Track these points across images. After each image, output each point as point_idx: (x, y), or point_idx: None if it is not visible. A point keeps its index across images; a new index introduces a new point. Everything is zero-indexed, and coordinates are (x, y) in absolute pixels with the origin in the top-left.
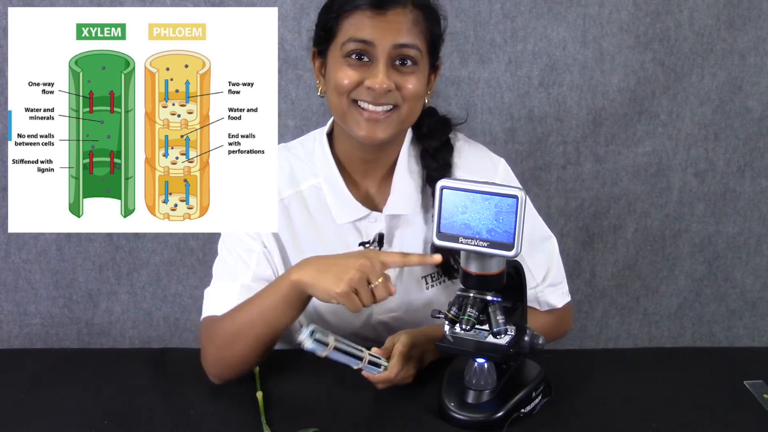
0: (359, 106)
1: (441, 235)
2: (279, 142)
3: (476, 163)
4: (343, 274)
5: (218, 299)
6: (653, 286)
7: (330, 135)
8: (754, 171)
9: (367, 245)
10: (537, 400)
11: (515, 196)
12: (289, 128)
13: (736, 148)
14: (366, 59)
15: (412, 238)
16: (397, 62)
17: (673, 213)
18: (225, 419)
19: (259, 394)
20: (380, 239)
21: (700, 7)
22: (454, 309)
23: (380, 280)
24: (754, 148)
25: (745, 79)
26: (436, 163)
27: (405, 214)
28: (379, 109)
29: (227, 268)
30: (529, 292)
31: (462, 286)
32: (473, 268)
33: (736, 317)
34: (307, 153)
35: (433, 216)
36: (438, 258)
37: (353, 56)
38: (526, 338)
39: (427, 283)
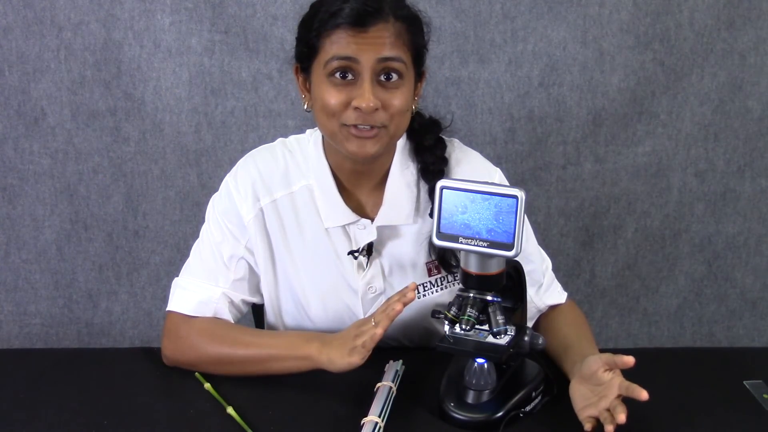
0: (348, 126)
1: (441, 235)
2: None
3: (473, 175)
4: (350, 345)
5: (195, 300)
6: (653, 286)
7: (323, 139)
8: (754, 171)
9: (355, 254)
10: (537, 400)
11: (515, 196)
12: (289, 128)
13: (736, 148)
14: (350, 77)
15: (402, 247)
16: (382, 77)
17: (673, 213)
18: (225, 419)
19: (230, 410)
20: (369, 249)
21: (700, 7)
22: (454, 309)
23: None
24: (754, 148)
25: (745, 79)
26: (433, 156)
27: (396, 224)
28: (368, 130)
29: (207, 268)
30: (530, 307)
31: (462, 286)
32: (473, 269)
33: (736, 317)
34: (302, 152)
35: (432, 216)
36: (411, 295)
37: (337, 74)
38: (526, 338)
39: (419, 293)
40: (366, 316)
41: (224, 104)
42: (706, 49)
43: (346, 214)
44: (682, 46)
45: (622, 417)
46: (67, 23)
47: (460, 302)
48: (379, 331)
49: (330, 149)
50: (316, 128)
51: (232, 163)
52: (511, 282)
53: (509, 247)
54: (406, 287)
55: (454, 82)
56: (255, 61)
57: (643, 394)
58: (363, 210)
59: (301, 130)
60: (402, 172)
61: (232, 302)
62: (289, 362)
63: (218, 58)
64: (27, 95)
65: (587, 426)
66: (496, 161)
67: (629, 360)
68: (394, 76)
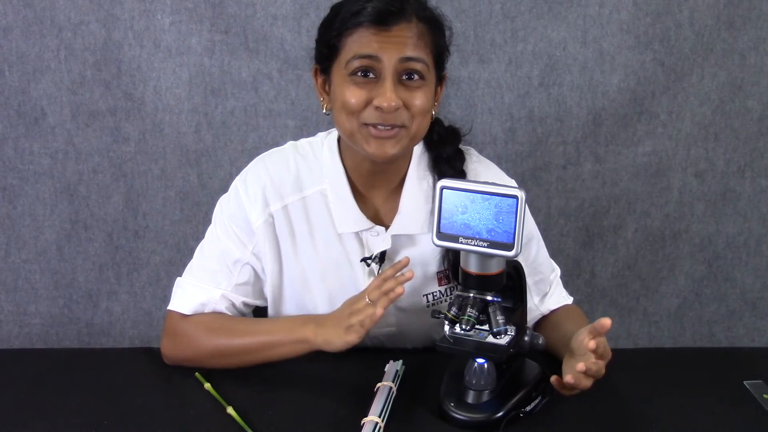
0: (368, 126)
1: (441, 235)
2: (279, 143)
3: None
4: (345, 324)
5: (194, 301)
6: (653, 286)
7: (338, 142)
8: (754, 171)
9: (368, 261)
10: (537, 400)
11: (515, 196)
12: (289, 128)
13: (736, 148)
14: (372, 76)
15: (414, 256)
16: (404, 77)
17: (673, 213)
18: (225, 419)
19: (230, 410)
20: (382, 257)
21: (700, 7)
22: (454, 309)
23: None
24: (754, 148)
25: (745, 79)
26: (452, 170)
27: (411, 234)
28: (388, 130)
29: (210, 270)
30: (534, 315)
31: (462, 287)
32: (473, 269)
33: (736, 317)
34: (315, 156)
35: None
36: (410, 274)
37: (359, 74)
38: (526, 338)
39: (428, 302)
40: (358, 294)
41: (224, 104)
42: (706, 49)
43: (361, 220)
44: (682, 46)
45: (590, 344)
46: (67, 23)
47: (460, 302)
48: (379, 311)
49: (346, 152)
50: (330, 132)
51: (233, 163)
52: (511, 282)
53: (509, 247)
54: (399, 262)
55: (454, 82)
56: (255, 61)
57: (606, 324)
58: (378, 217)
59: (302, 131)
60: (419, 183)
61: (233, 304)
62: (286, 347)
63: (218, 58)
64: (27, 95)
65: (552, 378)
66: (496, 161)
67: (606, 321)
68: (416, 77)
